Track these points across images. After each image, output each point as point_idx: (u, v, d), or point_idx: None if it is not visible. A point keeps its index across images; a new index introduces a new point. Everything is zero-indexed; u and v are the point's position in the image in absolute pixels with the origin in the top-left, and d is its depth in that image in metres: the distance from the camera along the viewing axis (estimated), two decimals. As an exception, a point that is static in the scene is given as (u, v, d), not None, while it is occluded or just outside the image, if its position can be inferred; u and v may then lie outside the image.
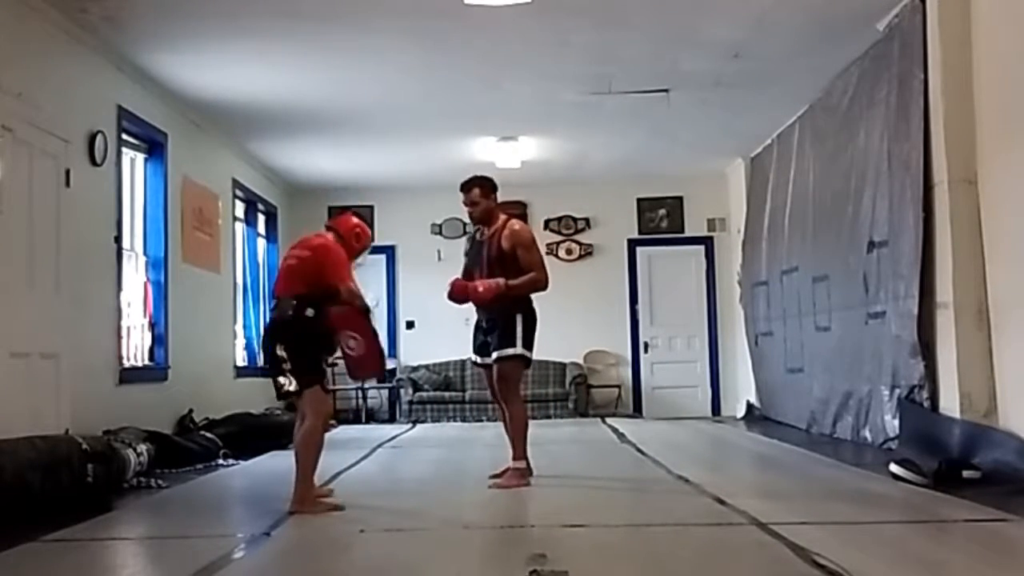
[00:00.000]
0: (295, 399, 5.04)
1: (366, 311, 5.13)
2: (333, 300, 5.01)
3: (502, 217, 6.04)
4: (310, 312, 4.97)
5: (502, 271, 5.85)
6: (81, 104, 7.35)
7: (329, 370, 5.39)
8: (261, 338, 5.37)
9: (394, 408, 13.02)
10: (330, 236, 5.26)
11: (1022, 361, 5.96)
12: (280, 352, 4.95)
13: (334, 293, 5.00)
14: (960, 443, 6.17)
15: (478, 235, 6.07)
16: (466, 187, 6.03)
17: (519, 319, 5.86)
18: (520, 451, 5.86)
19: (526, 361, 5.92)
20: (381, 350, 5.31)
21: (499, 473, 5.97)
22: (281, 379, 4.95)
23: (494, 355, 5.87)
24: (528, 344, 5.89)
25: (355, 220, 5.40)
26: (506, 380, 5.91)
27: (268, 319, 5.31)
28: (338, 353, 5.25)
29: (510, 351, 5.84)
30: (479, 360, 6.09)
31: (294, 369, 4.92)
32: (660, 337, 13.31)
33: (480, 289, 5.83)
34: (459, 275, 6.12)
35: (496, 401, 6.17)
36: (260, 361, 11.46)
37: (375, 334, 5.21)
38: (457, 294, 6.00)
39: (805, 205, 9.62)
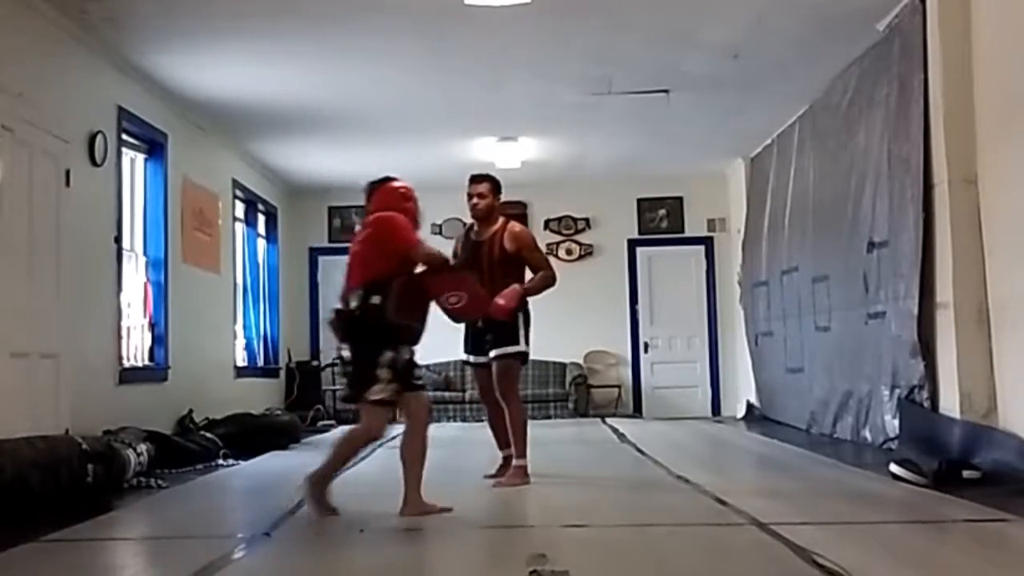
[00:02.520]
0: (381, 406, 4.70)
1: (445, 263, 4.94)
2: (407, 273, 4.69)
3: (501, 219, 6.01)
4: (375, 299, 4.59)
5: (504, 273, 5.81)
6: (81, 104, 7.35)
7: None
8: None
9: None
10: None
11: (1022, 361, 5.96)
12: (376, 358, 4.58)
13: (410, 264, 4.71)
14: (960, 443, 6.17)
15: (472, 234, 6.01)
16: (476, 179, 6.02)
17: (521, 317, 5.85)
18: (521, 449, 5.86)
19: (525, 358, 5.92)
20: (482, 294, 5.14)
21: (494, 473, 5.97)
22: (375, 387, 4.63)
23: (494, 352, 5.83)
24: (528, 341, 5.89)
25: (391, 185, 4.91)
26: (508, 377, 5.87)
27: (351, 322, 4.71)
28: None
29: (513, 348, 5.83)
30: (474, 360, 6.04)
31: (395, 377, 4.63)
32: (660, 337, 13.30)
33: (501, 303, 5.65)
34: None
35: (485, 402, 6.13)
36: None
37: (468, 281, 5.06)
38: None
39: (805, 205, 9.62)
